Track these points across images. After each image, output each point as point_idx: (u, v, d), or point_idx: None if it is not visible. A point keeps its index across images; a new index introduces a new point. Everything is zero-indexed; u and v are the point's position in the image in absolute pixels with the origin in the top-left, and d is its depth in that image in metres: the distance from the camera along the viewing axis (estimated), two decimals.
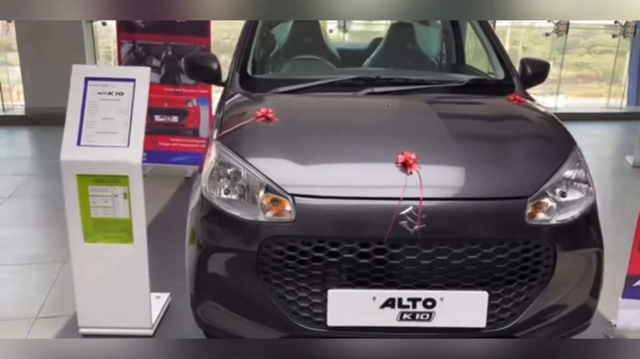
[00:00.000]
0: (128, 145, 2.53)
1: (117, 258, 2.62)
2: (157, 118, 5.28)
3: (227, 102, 2.68)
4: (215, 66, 2.97)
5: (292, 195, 2.05)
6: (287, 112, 2.47)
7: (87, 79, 2.58)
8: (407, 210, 1.98)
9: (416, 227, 1.96)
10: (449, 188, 2.07)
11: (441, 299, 1.99)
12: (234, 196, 2.16)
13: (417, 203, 1.98)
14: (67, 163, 2.51)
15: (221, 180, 2.22)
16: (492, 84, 2.93)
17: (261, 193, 2.10)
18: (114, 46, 7.06)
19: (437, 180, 2.07)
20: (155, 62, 5.29)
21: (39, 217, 4.49)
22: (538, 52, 9.24)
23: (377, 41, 4.12)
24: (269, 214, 2.08)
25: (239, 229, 2.09)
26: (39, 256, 3.66)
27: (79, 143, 2.52)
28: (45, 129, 6.88)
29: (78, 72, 2.60)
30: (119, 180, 2.54)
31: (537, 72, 3.05)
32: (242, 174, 2.17)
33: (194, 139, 5.40)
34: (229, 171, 2.21)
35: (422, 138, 2.28)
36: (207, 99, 5.35)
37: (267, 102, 2.63)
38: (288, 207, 2.05)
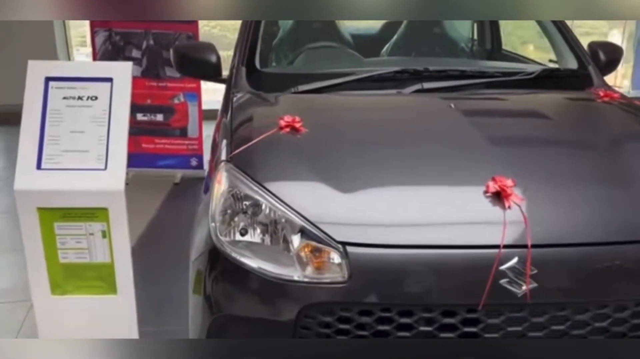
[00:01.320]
0: (105, 167, 1.90)
1: (95, 314, 1.99)
2: (140, 117, 4.61)
3: (235, 106, 2.05)
4: (214, 58, 2.33)
5: (343, 244, 1.44)
6: (317, 119, 1.86)
7: (48, 79, 1.94)
8: (510, 264, 1.39)
9: (524, 287, 1.37)
10: (568, 229, 1.46)
11: None
12: (255, 240, 1.55)
13: (523, 251, 1.39)
14: (23, 194, 1.87)
15: (236, 219, 1.60)
16: (567, 75, 2.32)
17: (296, 239, 1.49)
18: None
19: (548, 217, 1.47)
20: (136, 53, 4.61)
21: (3, 240, 3.82)
22: None
23: (391, 25, 3.48)
24: (310, 270, 1.47)
25: (266, 291, 1.48)
26: (1, 292, 3.01)
27: (39, 167, 1.89)
28: (8, 130, 6.15)
29: (36, 70, 1.95)
30: (95, 214, 1.91)
31: (610, 58, 2.47)
32: (267, 210, 1.56)
33: (182, 140, 4.75)
34: (246, 205, 1.59)
35: (514, 153, 1.68)
36: (196, 94, 4.70)
37: (288, 105, 2.00)
38: (337, 260, 1.44)
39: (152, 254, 3.13)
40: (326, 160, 1.66)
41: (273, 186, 1.58)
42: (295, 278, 1.46)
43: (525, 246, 1.39)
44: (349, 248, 1.43)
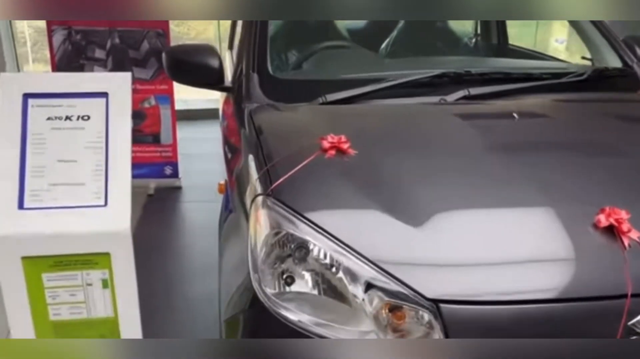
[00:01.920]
0: (106, 204, 1.55)
1: None
2: None
3: (257, 123, 1.72)
4: (215, 63, 2.00)
5: (436, 301, 1.16)
6: (363, 136, 1.56)
7: (26, 96, 1.56)
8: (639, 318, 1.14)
9: None
10: None
11: None
12: (311, 292, 1.26)
13: None
14: (2, 241, 1.50)
15: (283, 266, 1.29)
16: (616, 75, 2.10)
17: (376, 300, 1.19)
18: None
19: None
20: (100, 54, 4.18)
21: None
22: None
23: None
24: (390, 334, 1.18)
25: None
26: None
27: (20, 206, 1.52)
28: None
29: (10, 85, 1.57)
30: (94, 260, 1.55)
31: None
32: (322, 255, 1.26)
33: (154, 147, 4.36)
34: (297, 248, 1.29)
35: (616, 177, 1.42)
36: (168, 97, 4.31)
37: (321, 120, 1.70)
38: (426, 318, 1.16)
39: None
40: (389, 189, 1.36)
41: (333, 227, 1.28)
42: None
43: None
44: (443, 306, 1.15)
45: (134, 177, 4.59)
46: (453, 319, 1.14)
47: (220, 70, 2.02)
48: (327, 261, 1.26)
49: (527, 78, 1.94)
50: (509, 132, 1.61)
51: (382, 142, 1.55)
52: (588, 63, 2.38)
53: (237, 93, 2.04)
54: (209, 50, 2.03)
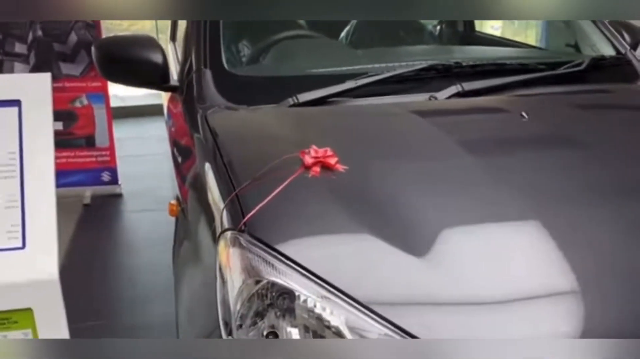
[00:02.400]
0: (24, 245, 1.19)
1: None
2: None
3: (218, 132, 1.40)
4: (158, 58, 1.66)
5: None
6: (350, 147, 1.27)
7: None
8: None
9: None
10: None
11: None
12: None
13: None
14: None
15: (265, 321, 1.00)
16: (613, 64, 1.89)
17: None
18: None
19: None
20: (20, 48, 3.70)
21: None
22: None
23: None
24: None
25: None
26: None
27: None
28: None
29: None
30: (12, 318, 1.20)
31: (635, 41, 2.09)
32: (312, 304, 0.98)
33: (89, 151, 3.94)
34: (278, 299, 1.00)
35: None
36: (103, 95, 3.89)
37: (295, 126, 1.40)
38: None
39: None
40: (393, 217, 1.08)
41: (322, 265, 1.00)
42: None
43: None
44: None
45: (65, 185, 4.12)
46: None
47: (165, 67, 1.68)
48: (320, 312, 0.97)
49: (522, 70, 1.70)
50: (524, 137, 1.36)
51: (376, 155, 1.26)
52: (571, 49, 2.18)
53: (186, 94, 1.70)
54: (149, 42, 1.69)
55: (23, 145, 1.24)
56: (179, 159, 1.65)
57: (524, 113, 1.41)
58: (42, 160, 1.25)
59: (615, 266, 1.00)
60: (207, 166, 1.32)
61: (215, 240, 1.13)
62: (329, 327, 0.97)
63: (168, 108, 2.29)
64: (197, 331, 1.16)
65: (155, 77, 1.69)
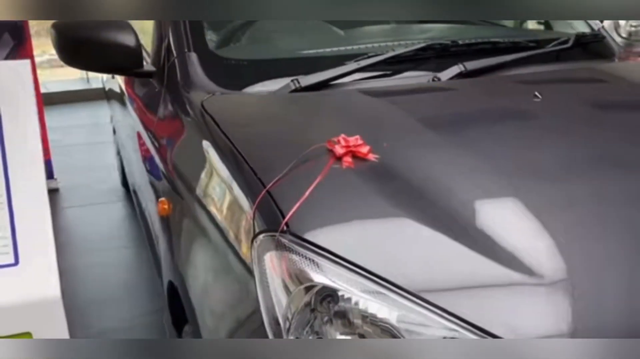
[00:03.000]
0: (16, 261, 1.04)
1: None
2: None
3: (221, 123, 1.26)
4: (130, 40, 1.50)
5: None
6: (373, 133, 1.18)
7: None
8: None
9: None
10: None
11: None
12: None
13: None
14: None
15: (315, 328, 0.93)
16: (592, 41, 1.90)
17: None
18: None
19: None
20: None
21: None
22: None
23: None
24: None
25: None
26: None
27: None
28: None
29: None
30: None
31: None
32: (371, 308, 0.91)
33: None
34: (328, 303, 0.93)
35: None
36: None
37: (310, 113, 1.30)
38: None
39: None
40: (440, 204, 1.02)
41: (376, 262, 0.93)
42: None
43: None
44: None
45: None
46: None
47: (138, 51, 1.52)
48: (373, 312, 0.90)
49: (517, 48, 1.68)
50: (546, 116, 1.33)
51: (403, 140, 1.19)
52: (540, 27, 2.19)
53: (168, 80, 1.54)
54: (120, 23, 1.51)
55: (5, 143, 1.07)
56: (164, 152, 1.50)
57: (537, 93, 1.38)
58: (30, 158, 1.08)
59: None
60: (217, 160, 1.20)
61: (245, 242, 1.02)
62: (383, 328, 0.90)
63: (131, 95, 2.10)
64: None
65: (127, 61, 1.52)
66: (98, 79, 5.44)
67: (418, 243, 0.97)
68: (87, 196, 3.61)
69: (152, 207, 1.72)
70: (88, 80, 6.07)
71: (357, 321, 0.92)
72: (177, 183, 1.37)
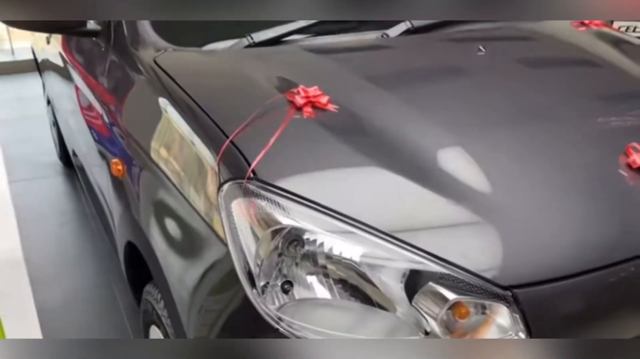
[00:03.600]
0: None
1: None
2: None
3: (177, 78, 1.25)
4: None
5: (510, 288, 0.92)
6: (328, 85, 1.21)
7: None
8: None
9: None
10: None
11: None
12: (325, 297, 0.95)
13: None
14: None
15: (283, 270, 0.96)
16: None
17: (427, 298, 0.92)
18: None
19: None
20: None
21: None
22: None
23: None
24: (457, 327, 0.93)
25: None
26: None
27: None
28: None
29: None
30: None
31: None
32: (337, 247, 0.95)
33: None
34: (295, 244, 0.96)
35: (619, 110, 1.28)
36: None
37: (266, 68, 1.31)
38: (504, 315, 0.93)
39: None
40: (396, 147, 1.07)
41: (343, 202, 0.96)
42: None
43: None
44: (520, 293, 0.92)
45: None
46: (535, 306, 0.92)
47: None
48: (339, 251, 0.94)
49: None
50: (496, 74, 1.38)
51: (358, 91, 1.22)
52: None
53: (115, 38, 1.51)
54: None
55: None
56: (114, 113, 1.47)
57: (481, 47, 1.45)
58: None
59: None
60: (175, 115, 1.19)
61: (211, 192, 1.03)
62: (346, 266, 0.94)
63: (72, 60, 2.02)
64: (215, 293, 1.05)
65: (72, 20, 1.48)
66: (22, 51, 5.17)
67: (379, 184, 1.02)
68: (29, 169, 3.47)
69: (101, 173, 1.68)
70: (13, 52, 5.75)
71: (322, 261, 0.96)
72: (131, 142, 1.35)
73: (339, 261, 0.94)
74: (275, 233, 0.94)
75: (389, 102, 1.20)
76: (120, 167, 1.41)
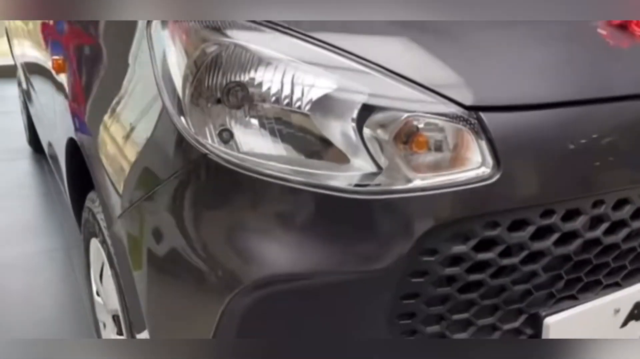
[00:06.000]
0: None
1: None
2: None
3: None
4: None
5: (476, 109, 0.80)
6: None
7: None
8: None
9: None
10: None
11: None
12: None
13: None
14: None
15: (214, 112, 0.82)
16: None
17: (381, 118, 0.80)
18: None
19: None
20: None
21: None
22: None
23: None
24: (419, 168, 0.80)
25: (339, 218, 0.77)
26: None
27: None
28: None
29: None
30: None
31: None
32: (293, 71, 0.81)
33: None
34: (250, 75, 0.82)
35: None
36: None
37: None
38: (471, 142, 0.80)
39: None
40: None
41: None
42: (403, 186, 0.78)
43: None
44: (486, 116, 0.80)
45: None
46: (503, 131, 0.80)
47: None
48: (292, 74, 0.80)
49: None
50: None
51: None
52: None
53: None
54: None
55: None
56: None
57: None
58: None
59: None
60: None
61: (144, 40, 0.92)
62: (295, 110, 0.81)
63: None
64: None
65: None
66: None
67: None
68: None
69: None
70: None
71: (267, 106, 0.83)
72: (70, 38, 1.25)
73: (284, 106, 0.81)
74: (205, 54, 0.82)
75: None
76: (60, 62, 1.31)
